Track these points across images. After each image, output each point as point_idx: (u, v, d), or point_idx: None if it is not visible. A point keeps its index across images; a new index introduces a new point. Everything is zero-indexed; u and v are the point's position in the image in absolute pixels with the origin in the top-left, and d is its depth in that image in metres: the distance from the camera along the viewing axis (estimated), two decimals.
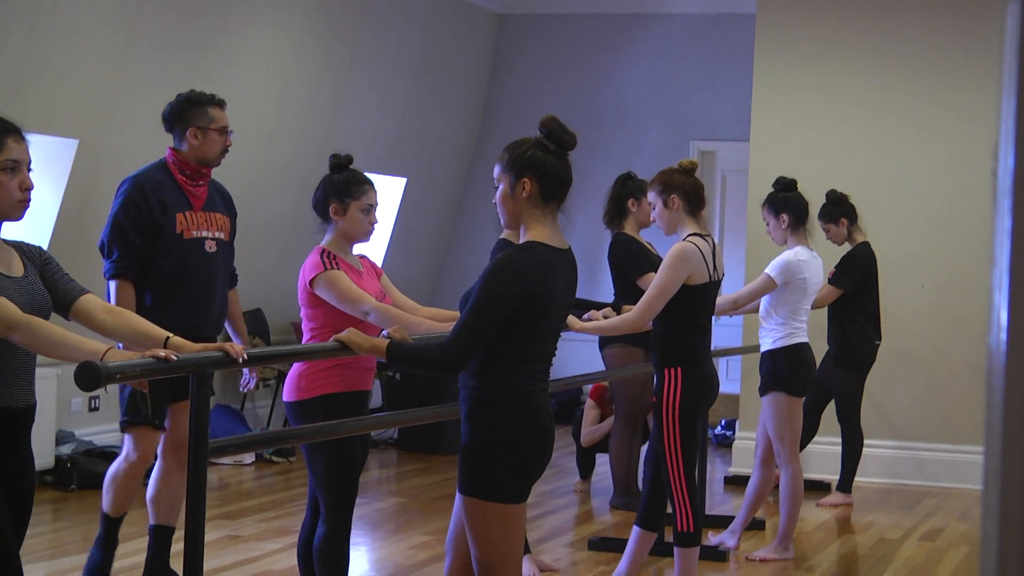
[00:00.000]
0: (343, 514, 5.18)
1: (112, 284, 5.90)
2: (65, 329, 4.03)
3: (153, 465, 6.19)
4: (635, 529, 6.17)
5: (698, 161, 6.12)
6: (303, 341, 5.27)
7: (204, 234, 6.04)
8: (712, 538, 7.62)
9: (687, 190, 5.80)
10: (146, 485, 6.28)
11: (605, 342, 8.48)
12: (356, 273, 5.27)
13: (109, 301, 5.81)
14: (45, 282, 4.23)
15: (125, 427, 6.08)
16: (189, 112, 6.03)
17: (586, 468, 9.43)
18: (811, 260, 7.11)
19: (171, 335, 4.18)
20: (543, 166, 4.17)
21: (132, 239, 5.87)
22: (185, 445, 5.90)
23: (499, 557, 4.17)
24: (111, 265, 5.91)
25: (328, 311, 5.14)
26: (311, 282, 5.15)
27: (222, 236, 6.16)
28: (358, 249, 5.50)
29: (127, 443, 6.09)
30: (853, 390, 8.92)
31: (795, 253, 7.07)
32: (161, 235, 5.90)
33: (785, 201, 7.16)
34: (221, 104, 6.11)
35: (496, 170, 4.24)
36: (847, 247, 8.90)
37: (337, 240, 5.31)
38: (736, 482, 9.73)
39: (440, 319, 5.24)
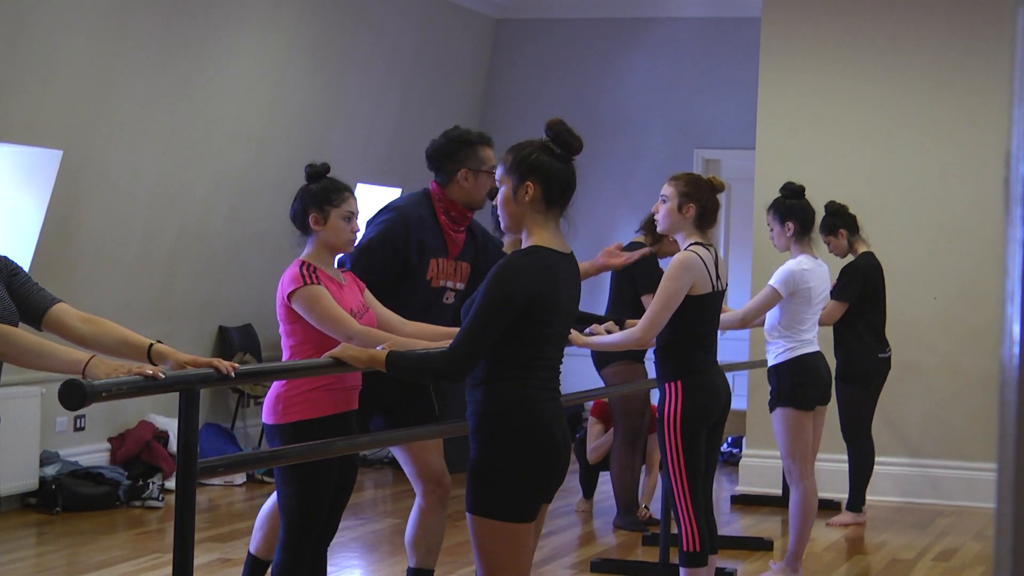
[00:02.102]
0: (301, 541, 5.03)
1: None
2: (42, 339, 3.94)
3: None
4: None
5: (726, 185, 5.97)
6: (283, 359, 5.09)
7: (447, 284, 5.80)
8: (773, 565, 7.46)
9: (706, 205, 5.70)
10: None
11: (604, 361, 8.36)
12: (337, 286, 5.10)
13: None
14: (13, 293, 4.12)
15: None
16: (460, 152, 5.79)
17: (589, 487, 9.26)
18: (816, 268, 7.01)
19: (154, 342, 4.06)
20: (548, 170, 4.14)
21: (377, 273, 5.62)
22: (444, 479, 5.78)
23: None
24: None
25: (307, 327, 4.99)
26: (289, 296, 4.97)
27: (461, 286, 5.87)
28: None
29: None
30: (857, 405, 8.81)
31: (798, 262, 6.97)
32: (412, 277, 5.67)
33: (792, 209, 7.05)
34: (491, 143, 5.88)
35: (499, 171, 4.20)
36: (851, 259, 8.75)
37: (318, 251, 5.15)
38: (743, 501, 9.60)
39: (430, 336, 5.06)
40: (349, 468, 5.23)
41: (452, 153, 5.79)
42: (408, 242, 5.66)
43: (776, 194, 7.21)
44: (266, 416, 5.05)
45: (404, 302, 5.60)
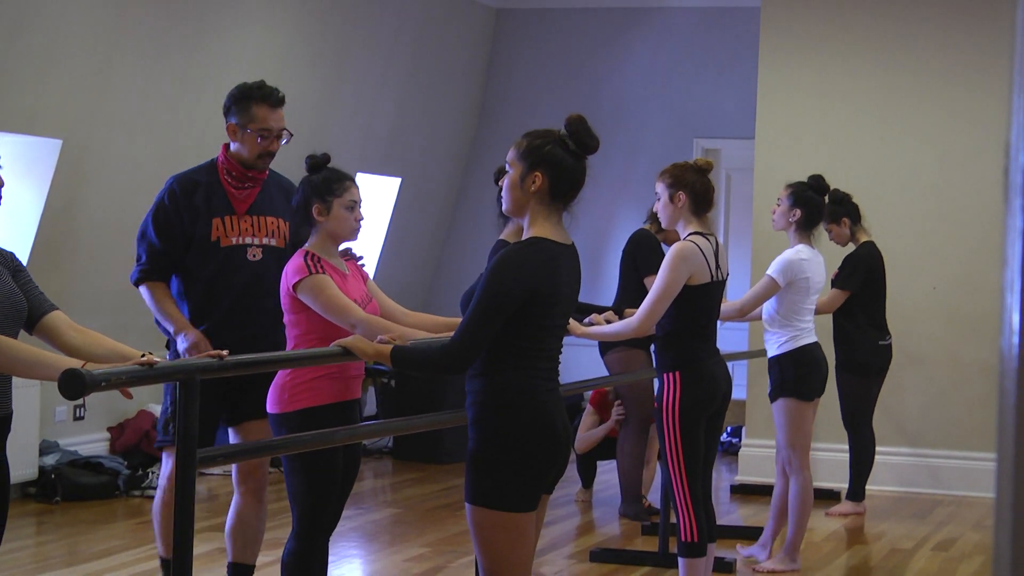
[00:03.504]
0: (314, 530, 5.05)
1: (140, 289, 5.64)
2: (35, 348, 3.91)
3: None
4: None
5: (714, 162, 5.95)
6: (287, 348, 5.09)
7: (247, 241, 5.56)
8: (742, 551, 7.43)
9: (696, 190, 5.67)
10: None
11: (607, 347, 8.36)
12: (340, 276, 5.12)
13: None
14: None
15: (160, 448, 5.76)
16: (233, 107, 5.59)
17: (587, 477, 9.23)
18: (813, 258, 7.01)
19: (146, 353, 4.05)
20: (559, 165, 4.11)
21: (153, 244, 5.58)
22: (257, 472, 5.71)
23: (506, 567, 4.08)
24: (136, 270, 5.65)
25: (312, 317, 4.99)
26: (294, 286, 4.97)
27: (272, 242, 5.64)
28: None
29: (164, 466, 5.72)
30: (856, 394, 8.81)
31: (796, 252, 6.96)
32: (195, 242, 5.54)
33: (809, 200, 7.03)
34: (272, 102, 5.58)
35: (511, 154, 4.17)
36: (851, 248, 8.73)
37: (322, 241, 5.15)
38: (743, 491, 9.61)
39: (431, 326, 5.07)
40: (352, 456, 5.24)
41: (227, 108, 5.62)
42: (178, 207, 5.54)
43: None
44: (271, 406, 5.06)
45: (201, 274, 5.53)
